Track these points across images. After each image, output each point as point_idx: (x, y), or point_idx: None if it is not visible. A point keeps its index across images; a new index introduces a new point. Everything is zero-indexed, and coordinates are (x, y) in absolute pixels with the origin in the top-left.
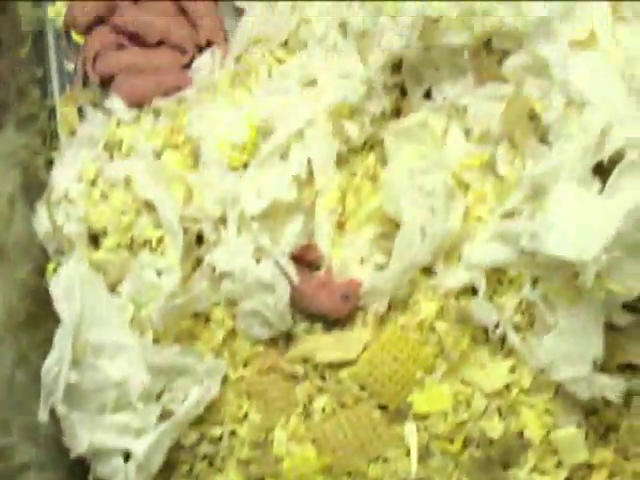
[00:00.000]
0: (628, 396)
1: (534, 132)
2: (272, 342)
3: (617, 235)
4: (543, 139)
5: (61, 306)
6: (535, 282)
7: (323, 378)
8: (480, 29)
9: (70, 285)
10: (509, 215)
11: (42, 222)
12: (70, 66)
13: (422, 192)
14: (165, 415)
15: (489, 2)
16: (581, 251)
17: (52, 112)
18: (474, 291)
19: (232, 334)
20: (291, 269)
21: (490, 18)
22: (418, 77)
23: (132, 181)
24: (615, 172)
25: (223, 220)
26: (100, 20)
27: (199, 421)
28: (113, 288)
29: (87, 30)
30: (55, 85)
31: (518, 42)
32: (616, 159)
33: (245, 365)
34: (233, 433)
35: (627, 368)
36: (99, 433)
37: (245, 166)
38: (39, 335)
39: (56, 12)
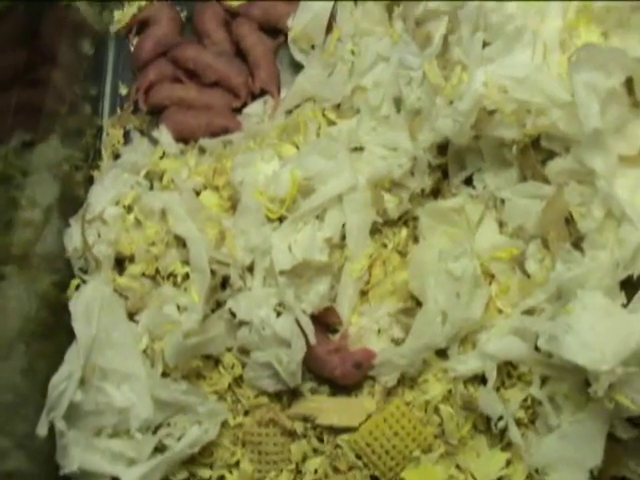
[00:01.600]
0: None
1: (568, 236)
2: (276, 396)
3: (635, 350)
4: (576, 244)
5: (78, 324)
6: (544, 381)
7: (321, 440)
8: (532, 127)
9: (90, 305)
10: (530, 312)
11: (73, 238)
12: (124, 90)
13: (450, 276)
14: (159, 449)
15: (545, 103)
16: (597, 360)
17: (99, 131)
18: (483, 380)
19: (239, 381)
20: (310, 329)
21: (543, 118)
22: (462, 162)
23: (167, 214)
24: None
25: (250, 269)
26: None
27: (191, 460)
28: (131, 316)
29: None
30: (106, 105)
31: (565, 146)
32: None
33: (246, 414)
34: (222, 478)
35: None
36: (92, 455)
37: (280, 220)
38: (49, 346)
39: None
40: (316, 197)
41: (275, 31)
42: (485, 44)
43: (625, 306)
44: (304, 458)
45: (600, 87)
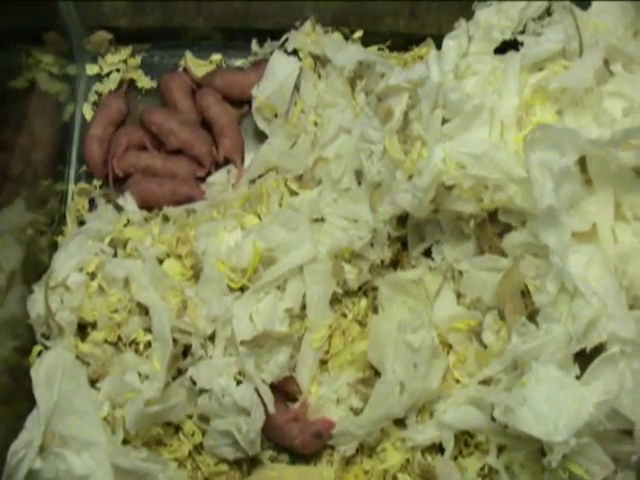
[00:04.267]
0: None
1: (524, 309)
2: (236, 463)
3: (588, 422)
4: (531, 317)
5: (39, 391)
6: (500, 450)
7: None
8: (489, 202)
9: (52, 372)
10: (486, 382)
11: (36, 304)
12: None
13: (408, 347)
14: None
15: (502, 179)
16: (551, 432)
17: (64, 196)
18: (441, 449)
19: (199, 449)
20: (269, 398)
21: (500, 193)
22: (421, 235)
23: (131, 282)
24: (595, 362)
25: (212, 338)
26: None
27: None
28: (93, 382)
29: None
30: (72, 170)
31: (522, 220)
32: (598, 350)
33: None
34: None
35: None
36: None
37: (242, 289)
38: (9, 412)
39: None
40: (277, 268)
41: (240, 100)
42: (444, 121)
43: (578, 378)
44: None
45: (554, 166)
